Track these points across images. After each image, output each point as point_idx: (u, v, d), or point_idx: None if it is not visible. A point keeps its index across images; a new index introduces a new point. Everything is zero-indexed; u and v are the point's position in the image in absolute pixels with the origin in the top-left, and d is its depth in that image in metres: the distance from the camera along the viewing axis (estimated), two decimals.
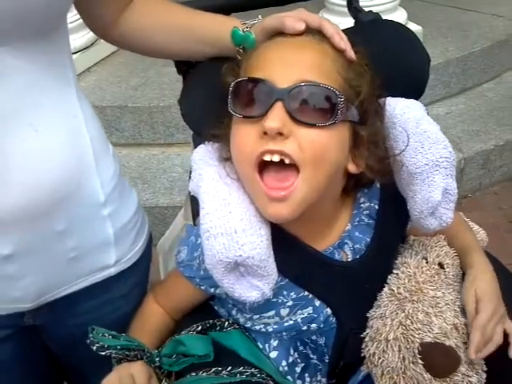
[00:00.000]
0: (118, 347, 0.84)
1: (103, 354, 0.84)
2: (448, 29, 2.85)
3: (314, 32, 0.85)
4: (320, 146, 0.79)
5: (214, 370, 0.85)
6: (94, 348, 0.84)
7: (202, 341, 0.89)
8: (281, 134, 0.77)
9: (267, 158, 0.79)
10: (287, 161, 0.78)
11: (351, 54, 0.84)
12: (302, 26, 0.84)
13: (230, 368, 0.85)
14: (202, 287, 0.90)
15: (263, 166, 0.81)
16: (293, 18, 0.85)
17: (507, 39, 2.80)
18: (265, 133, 0.78)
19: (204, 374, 0.85)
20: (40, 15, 0.73)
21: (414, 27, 2.64)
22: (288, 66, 0.80)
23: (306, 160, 0.78)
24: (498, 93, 2.75)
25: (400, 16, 2.63)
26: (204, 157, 0.89)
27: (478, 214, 2.34)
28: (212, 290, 0.89)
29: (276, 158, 0.78)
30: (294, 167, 0.79)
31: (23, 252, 0.80)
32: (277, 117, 0.77)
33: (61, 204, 0.80)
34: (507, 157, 2.50)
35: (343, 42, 0.83)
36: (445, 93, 2.69)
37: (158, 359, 0.88)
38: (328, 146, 0.79)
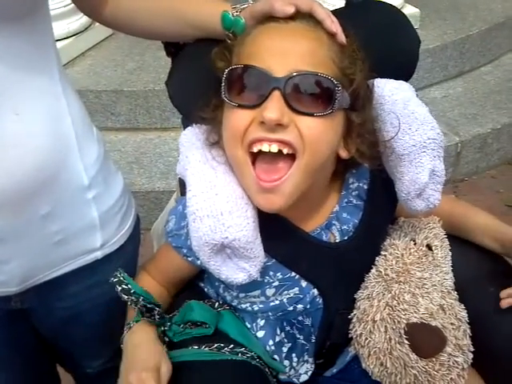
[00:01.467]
0: (141, 298, 0.84)
1: (125, 297, 0.84)
2: (446, 11, 2.82)
3: (307, 17, 0.84)
4: (318, 134, 0.79)
5: (216, 345, 0.86)
6: (120, 288, 0.83)
7: (209, 312, 0.90)
8: (279, 124, 0.77)
9: (265, 148, 0.78)
10: (285, 150, 0.78)
11: (342, 37, 0.83)
12: (291, 10, 0.83)
13: (231, 346, 0.86)
14: (189, 259, 0.90)
15: (256, 155, 0.80)
16: (282, 2, 0.84)
17: (505, 22, 2.77)
18: (262, 122, 0.77)
19: (206, 348, 0.85)
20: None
21: (411, 10, 2.62)
22: (284, 55, 0.79)
23: (304, 148, 0.78)
24: (495, 76, 2.74)
25: None
26: (191, 139, 0.89)
27: (475, 197, 2.34)
28: (199, 262, 0.88)
29: (274, 148, 0.78)
30: (288, 157, 0.79)
31: (8, 236, 0.80)
32: (275, 107, 0.76)
33: (43, 187, 0.80)
34: (504, 140, 2.49)
35: (334, 25, 0.83)
36: (442, 76, 2.67)
37: (168, 324, 0.88)
38: (325, 134, 0.79)
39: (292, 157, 0.79)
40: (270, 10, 0.85)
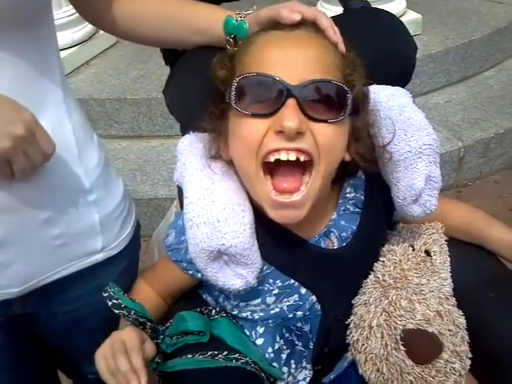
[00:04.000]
0: (132, 312, 0.84)
1: (116, 312, 0.84)
2: (448, 16, 2.83)
3: (309, 25, 0.85)
4: (332, 140, 0.79)
5: (210, 353, 0.86)
6: (110, 303, 0.83)
7: (202, 320, 0.90)
8: (299, 132, 0.77)
9: (283, 157, 0.77)
10: (303, 158, 0.78)
11: (342, 47, 0.84)
12: (298, 17, 0.84)
13: (226, 353, 0.86)
14: (189, 272, 0.91)
15: (271, 168, 0.80)
16: (289, 9, 0.86)
17: (508, 26, 2.77)
18: (280, 131, 0.77)
19: (200, 356, 0.86)
20: (12, 5, 0.73)
21: (413, 15, 2.63)
22: (294, 63, 0.79)
23: (320, 155, 0.78)
24: (498, 80, 2.73)
25: (399, 4, 2.61)
26: (189, 146, 0.89)
27: (479, 202, 2.33)
28: (199, 274, 0.89)
29: (292, 157, 0.77)
30: (301, 166, 0.79)
31: (9, 240, 0.81)
32: (293, 115, 0.76)
33: (45, 192, 0.81)
34: (507, 145, 2.48)
35: (336, 35, 0.84)
36: (445, 81, 2.67)
37: (161, 337, 0.89)
38: (338, 140, 0.81)
39: (304, 165, 0.79)
40: (276, 16, 0.86)
